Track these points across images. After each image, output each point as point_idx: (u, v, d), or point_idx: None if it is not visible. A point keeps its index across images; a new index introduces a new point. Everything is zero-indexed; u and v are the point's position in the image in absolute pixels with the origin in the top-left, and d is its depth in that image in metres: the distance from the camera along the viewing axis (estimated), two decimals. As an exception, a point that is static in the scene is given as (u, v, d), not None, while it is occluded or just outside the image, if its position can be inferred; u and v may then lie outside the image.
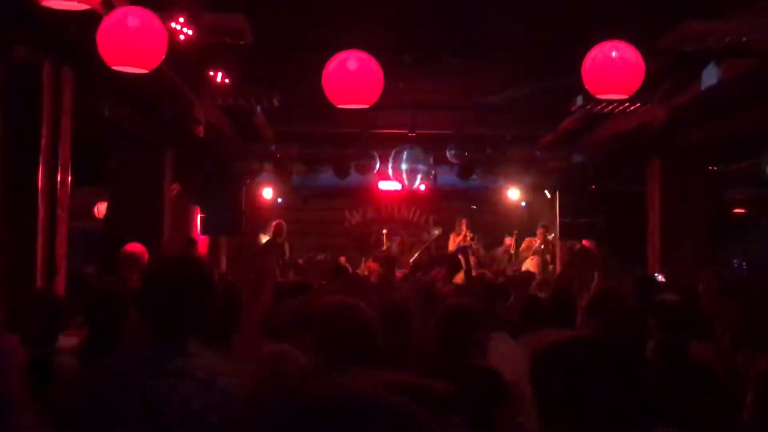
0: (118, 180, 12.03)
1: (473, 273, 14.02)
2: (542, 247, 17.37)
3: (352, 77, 6.74)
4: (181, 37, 7.38)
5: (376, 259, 16.69)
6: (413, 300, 5.69)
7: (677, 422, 3.11)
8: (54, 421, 2.95)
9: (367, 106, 6.95)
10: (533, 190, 18.52)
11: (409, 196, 18.64)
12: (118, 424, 2.77)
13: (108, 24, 5.86)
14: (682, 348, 4.14)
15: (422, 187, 16.21)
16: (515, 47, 9.16)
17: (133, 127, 10.68)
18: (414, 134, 14.30)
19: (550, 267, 17.57)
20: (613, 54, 6.65)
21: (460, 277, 15.45)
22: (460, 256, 16.86)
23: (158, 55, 6.06)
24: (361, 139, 14.76)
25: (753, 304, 4.82)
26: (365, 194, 19.29)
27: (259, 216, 17.72)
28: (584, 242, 16.68)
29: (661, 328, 5.20)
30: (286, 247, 16.43)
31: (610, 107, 10.40)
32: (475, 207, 19.14)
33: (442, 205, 19.61)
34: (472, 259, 16.45)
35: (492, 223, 19.07)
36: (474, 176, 16.54)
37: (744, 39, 7.46)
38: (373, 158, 15.83)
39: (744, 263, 15.83)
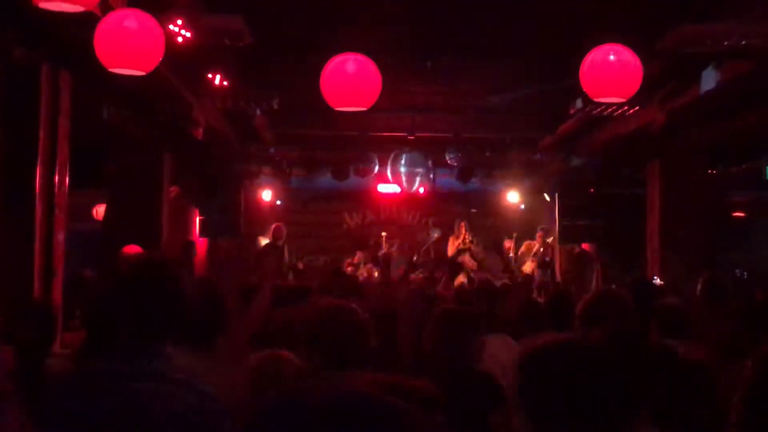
0: (117, 182, 12.03)
1: (474, 276, 14.02)
2: (541, 250, 17.36)
3: (350, 80, 6.73)
4: (180, 39, 7.37)
5: (375, 263, 16.70)
6: (406, 302, 5.70)
7: (664, 422, 3.11)
8: (40, 423, 2.96)
9: (365, 109, 6.94)
10: (532, 193, 18.51)
11: (408, 198, 18.63)
12: (103, 426, 2.78)
13: (105, 26, 5.85)
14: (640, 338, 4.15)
15: (421, 190, 16.21)
16: (514, 50, 9.16)
17: (132, 129, 10.67)
18: (413, 137, 14.29)
19: (549, 270, 17.55)
20: (611, 57, 6.64)
21: (460, 280, 15.46)
22: (461, 259, 16.88)
23: (156, 57, 6.05)
24: (360, 141, 14.75)
25: (739, 312, 4.82)
26: (364, 197, 19.29)
27: (259, 218, 17.71)
28: (583, 245, 16.68)
29: (661, 332, 5.20)
30: (285, 249, 16.41)
31: (609, 110, 10.40)
32: (475, 210, 19.12)
33: (441, 207, 19.60)
34: (472, 263, 16.47)
35: (491, 226, 19.05)
36: (473, 179, 16.54)
37: (742, 42, 7.45)
38: (372, 161, 15.82)
39: (744, 272, 15.81)
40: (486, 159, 15.78)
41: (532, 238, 17.62)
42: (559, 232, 16.24)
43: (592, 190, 15.85)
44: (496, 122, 13.34)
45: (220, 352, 4.19)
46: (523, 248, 17.65)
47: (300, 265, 16.82)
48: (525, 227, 18.43)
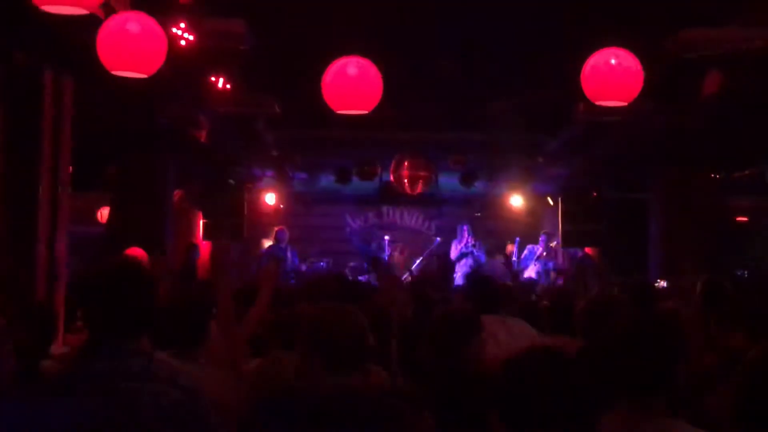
0: (121, 185, 12.06)
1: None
2: (544, 254, 17.35)
3: (351, 83, 6.74)
4: (183, 42, 7.40)
5: (378, 266, 16.71)
6: (400, 304, 5.70)
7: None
8: (28, 426, 2.98)
9: (366, 112, 6.96)
10: (536, 197, 18.52)
11: (410, 202, 18.64)
12: (92, 428, 2.80)
13: (108, 29, 5.87)
14: None
15: (424, 194, 16.21)
16: (516, 53, 9.17)
17: (135, 132, 10.70)
18: (416, 141, 14.31)
19: (552, 275, 17.55)
20: (612, 61, 6.64)
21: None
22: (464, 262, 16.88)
23: (158, 60, 6.07)
24: (363, 144, 14.77)
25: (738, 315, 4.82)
26: (367, 200, 19.30)
27: (262, 221, 17.75)
28: (586, 249, 16.68)
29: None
30: (288, 252, 16.44)
31: (612, 114, 10.40)
32: (479, 214, 19.13)
33: (444, 211, 19.62)
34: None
35: (494, 230, 19.05)
36: (476, 183, 16.55)
37: (744, 47, 7.47)
38: (374, 164, 15.84)
39: (745, 272, 15.80)
40: (489, 163, 15.78)
41: (535, 242, 17.62)
42: (562, 236, 16.24)
43: (595, 194, 15.86)
44: (500, 126, 13.33)
45: (205, 355, 4.25)
46: (525, 252, 17.65)
47: (303, 268, 16.84)
48: (528, 231, 18.43)
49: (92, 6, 5.33)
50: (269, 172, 16.63)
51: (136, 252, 8.48)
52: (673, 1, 7.50)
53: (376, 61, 6.93)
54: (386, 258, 17.68)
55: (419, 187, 15.68)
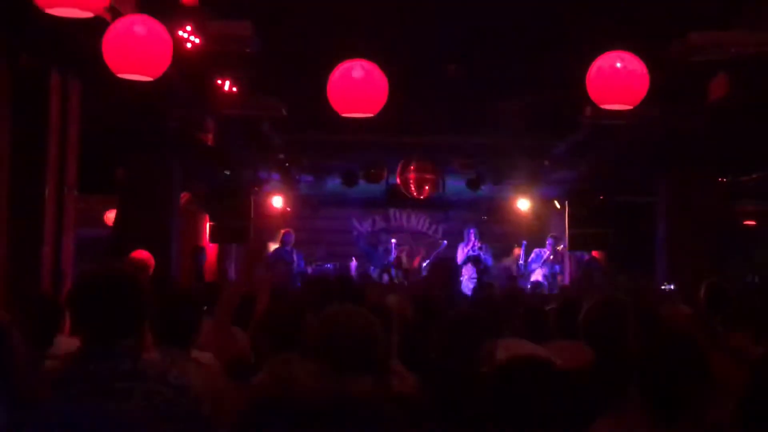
0: (127, 188, 12.08)
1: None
2: (551, 257, 17.35)
3: (356, 86, 6.76)
4: (189, 45, 7.41)
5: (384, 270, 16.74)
6: (401, 307, 5.70)
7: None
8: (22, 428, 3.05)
9: (371, 115, 6.96)
10: (542, 201, 18.51)
11: (417, 205, 18.63)
12: (85, 428, 2.85)
13: (113, 32, 5.89)
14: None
15: (431, 197, 16.20)
16: (523, 57, 9.17)
17: (142, 135, 10.72)
18: (422, 143, 14.31)
19: (559, 278, 17.55)
20: (618, 64, 6.64)
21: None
22: (472, 265, 16.86)
23: (164, 62, 6.09)
24: (369, 147, 14.76)
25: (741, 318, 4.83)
26: (374, 203, 19.31)
27: (268, 224, 17.76)
28: (593, 253, 16.66)
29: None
30: (294, 255, 16.45)
31: (618, 118, 10.39)
32: (486, 218, 19.12)
33: (451, 214, 19.63)
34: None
35: (501, 233, 19.04)
36: (483, 186, 16.55)
37: (750, 50, 7.46)
38: (381, 167, 15.84)
39: (756, 278, 15.74)
40: (496, 166, 15.77)
41: (542, 246, 17.61)
42: (569, 239, 16.23)
43: (601, 197, 15.84)
44: (506, 129, 13.33)
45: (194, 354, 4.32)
46: (532, 255, 17.64)
47: (309, 271, 16.85)
48: (535, 235, 18.42)
49: (98, 9, 5.34)
50: (275, 175, 16.64)
51: (142, 254, 8.49)
52: (679, 4, 7.49)
53: (382, 64, 6.94)
54: (392, 260, 17.69)
55: (426, 191, 15.67)
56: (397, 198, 17.28)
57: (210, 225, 15.66)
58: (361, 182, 16.20)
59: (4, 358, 1.76)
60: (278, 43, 8.37)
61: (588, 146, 13.46)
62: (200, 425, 3.12)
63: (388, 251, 18.10)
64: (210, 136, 11.54)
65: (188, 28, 7.35)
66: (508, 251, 18.56)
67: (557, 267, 17.46)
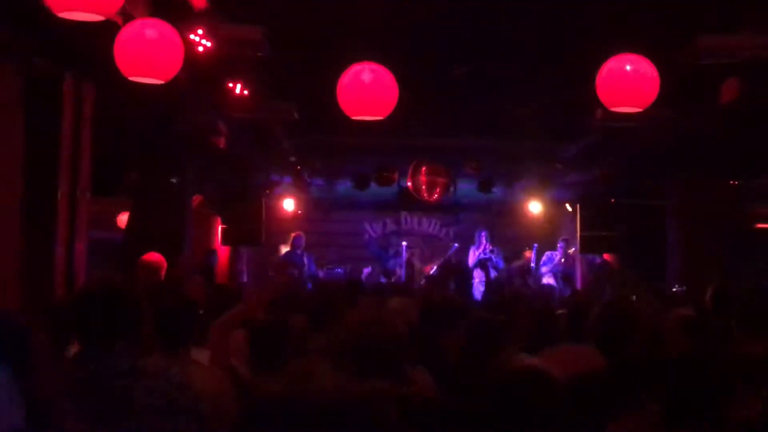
0: (140, 191, 12.12)
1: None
2: (562, 261, 17.34)
3: (366, 89, 6.78)
4: (200, 48, 7.45)
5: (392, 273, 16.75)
6: (405, 310, 5.71)
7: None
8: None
9: (381, 118, 6.99)
10: (554, 204, 18.50)
11: (429, 208, 18.64)
12: (93, 423, 2.97)
13: (125, 35, 5.93)
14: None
15: (442, 200, 16.21)
16: (533, 59, 9.18)
17: (154, 138, 10.77)
18: (433, 146, 14.32)
19: (571, 281, 17.52)
20: (628, 67, 6.65)
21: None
22: (480, 269, 16.87)
23: (175, 66, 6.12)
24: (380, 150, 14.79)
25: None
26: (385, 206, 19.32)
27: (280, 227, 17.80)
28: (605, 256, 16.65)
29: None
30: (305, 258, 16.48)
31: (629, 120, 10.39)
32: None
33: (462, 217, 19.63)
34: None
35: (512, 236, 19.02)
36: (494, 189, 16.55)
37: (762, 53, 7.45)
38: (392, 170, 15.86)
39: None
40: (507, 169, 15.77)
41: (554, 249, 17.60)
42: (580, 242, 16.22)
43: (612, 200, 15.83)
44: (517, 132, 13.33)
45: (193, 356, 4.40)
46: (543, 258, 17.63)
47: (320, 274, 16.87)
48: (546, 238, 18.40)
49: (110, 12, 5.38)
50: (287, 178, 16.68)
51: (154, 257, 8.52)
52: (689, 7, 7.49)
53: (392, 66, 6.96)
54: (403, 263, 17.70)
55: (437, 194, 15.68)
56: (408, 201, 17.30)
57: (222, 228, 15.70)
58: (373, 185, 16.22)
59: (25, 358, 1.80)
60: (289, 46, 8.40)
61: (599, 149, 13.45)
62: (199, 422, 3.23)
63: (399, 254, 18.12)
64: (222, 140, 11.58)
65: (200, 31, 7.38)
66: (519, 254, 18.55)
67: (569, 271, 17.43)
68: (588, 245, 16.13)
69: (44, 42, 6.78)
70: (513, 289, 12.09)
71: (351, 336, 3.78)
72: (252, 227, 15.41)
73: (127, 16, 6.29)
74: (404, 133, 12.99)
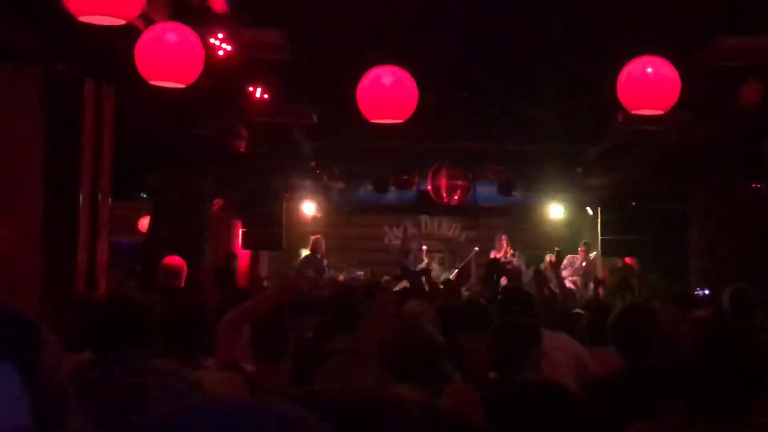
0: (161, 195, 12.17)
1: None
2: (584, 264, 17.26)
3: (386, 92, 6.78)
4: (221, 52, 7.47)
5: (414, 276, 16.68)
6: (421, 314, 5.70)
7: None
8: None
9: (401, 121, 6.99)
10: (574, 207, 18.43)
11: (449, 212, 18.62)
12: (106, 420, 3.00)
13: (146, 39, 5.96)
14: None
15: (462, 203, 16.19)
16: (555, 62, 9.15)
17: (174, 142, 10.80)
18: (453, 149, 14.32)
19: (593, 285, 17.42)
20: (649, 70, 6.62)
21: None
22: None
23: (195, 70, 6.15)
24: (400, 154, 14.79)
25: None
26: (405, 210, 19.30)
27: (300, 231, 17.81)
28: (626, 260, 16.57)
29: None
30: (325, 262, 16.48)
31: (650, 123, 10.35)
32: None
33: (482, 221, 19.57)
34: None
35: (532, 240, 18.95)
36: (514, 193, 16.51)
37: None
38: (412, 174, 15.85)
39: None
40: (527, 173, 15.74)
41: (574, 253, 17.53)
42: (602, 246, 16.15)
43: (633, 203, 15.75)
44: (538, 135, 13.31)
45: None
46: (564, 262, 17.55)
47: (340, 278, 16.86)
48: (567, 241, 18.33)
49: (130, 16, 5.40)
50: (307, 182, 16.70)
51: (175, 260, 8.54)
52: (711, 9, 7.45)
53: (412, 70, 6.96)
54: (423, 267, 17.66)
55: (457, 197, 15.66)
56: (428, 204, 17.28)
57: (242, 232, 15.72)
58: (392, 189, 16.21)
59: (33, 356, 1.79)
60: (309, 50, 8.42)
61: (620, 152, 13.41)
62: None
63: (418, 259, 18.08)
64: (242, 144, 11.61)
65: (220, 35, 7.41)
66: (540, 258, 18.47)
67: (594, 274, 17.34)
68: (609, 249, 16.06)
69: (65, 46, 6.82)
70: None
71: (388, 340, 3.88)
72: (272, 231, 15.41)
73: (147, 20, 6.32)
74: (424, 137, 12.99)
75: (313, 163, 15.29)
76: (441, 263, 18.21)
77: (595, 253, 17.08)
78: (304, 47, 8.15)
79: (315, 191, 17.37)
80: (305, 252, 17.07)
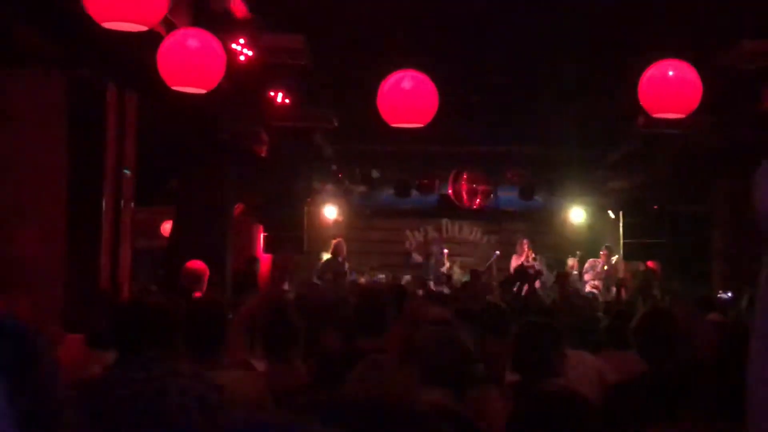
0: (183, 199, 12.22)
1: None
2: (605, 268, 17.20)
3: (407, 96, 6.79)
4: (242, 57, 7.52)
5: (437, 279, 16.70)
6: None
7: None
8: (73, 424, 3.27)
9: (421, 125, 7.00)
10: (596, 211, 18.37)
11: (470, 215, 18.60)
12: (126, 421, 3.05)
13: (168, 45, 6.00)
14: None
15: (483, 207, 16.17)
16: (575, 66, 9.15)
17: (196, 146, 10.85)
18: (474, 153, 14.31)
19: (613, 289, 17.36)
20: (670, 73, 6.60)
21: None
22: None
23: (217, 75, 6.19)
24: (421, 158, 14.79)
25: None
26: (426, 214, 19.29)
27: (322, 235, 17.84)
28: (648, 263, 16.50)
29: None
30: (346, 265, 16.49)
31: (672, 126, 10.31)
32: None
33: (504, 225, 19.53)
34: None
35: (554, 244, 18.91)
36: (535, 197, 16.48)
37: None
38: (433, 177, 15.85)
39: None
40: (548, 176, 15.71)
41: (596, 257, 17.48)
42: (624, 249, 16.09)
43: (656, 207, 15.69)
44: (559, 139, 13.29)
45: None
46: (586, 266, 17.51)
47: (361, 281, 16.88)
48: (589, 245, 18.28)
49: (152, 23, 5.44)
50: (328, 186, 16.74)
51: (197, 264, 8.57)
52: (731, 12, 7.42)
53: (432, 74, 6.97)
54: (444, 271, 17.66)
55: (478, 201, 15.65)
56: (449, 208, 17.27)
57: (264, 236, 15.76)
58: (414, 193, 16.22)
59: (25, 368, 1.79)
60: (329, 55, 8.45)
61: (642, 155, 13.36)
62: None
63: (440, 262, 18.08)
64: (264, 148, 11.65)
65: (241, 41, 7.45)
66: (561, 262, 18.43)
67: (617, 277, 17.27)
68: (631, 252, 16.00)
69: (88, 52, 6.87)
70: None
71: (421, 345, 3.97)
72: (294, 235, 15.44)
73: (169, 26, 6.37)
74: (445, 141, 13.00)
75: (334, 168, 15.32)
76: (462, 267, 18.21)
77: (616, 256, 17.03)
78: (325, 52, 8.17)
79: (336, 195, 17.40)
80: (326, 256, 17.11)
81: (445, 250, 18.33)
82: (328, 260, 16.67)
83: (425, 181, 15.96)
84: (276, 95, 9.52)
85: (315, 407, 2.21)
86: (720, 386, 3.09)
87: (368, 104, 7.36)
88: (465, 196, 15.62)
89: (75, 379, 4.05)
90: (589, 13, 7.88)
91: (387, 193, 16.93)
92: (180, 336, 3.66)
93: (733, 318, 6.01)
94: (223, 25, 7.06)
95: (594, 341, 5.99)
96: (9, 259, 6.96)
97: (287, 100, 9.62)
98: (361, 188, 17.17)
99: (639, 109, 7.74)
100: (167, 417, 3.12)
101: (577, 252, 17.98)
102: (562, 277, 16.54)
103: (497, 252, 18.28)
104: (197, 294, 8.01)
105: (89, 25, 5.36)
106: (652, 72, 6.72)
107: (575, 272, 17.68)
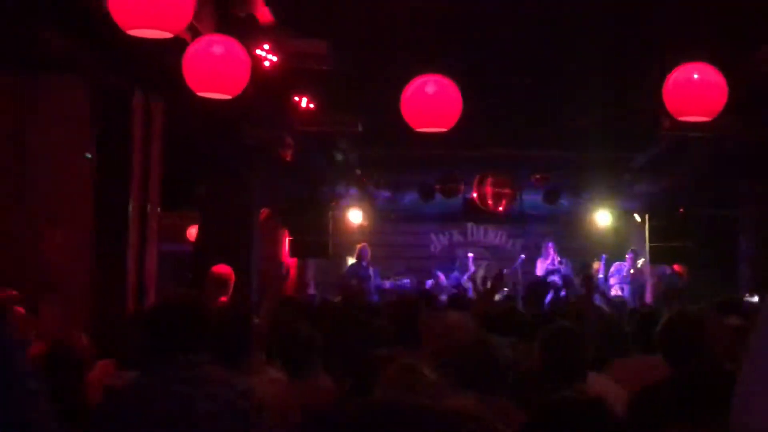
0: (209, 204, 12.28)
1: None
2: (631, 272, 17.14)
3: (430, 101, 6.80)
4: (267, 63, 7.56)
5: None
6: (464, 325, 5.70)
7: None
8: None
9: (445, 130, 7.00)
10: (622, 214, 18.29)
11: (495, 219, 18.57)
12: (155, 427, 3.07)
13: (193, 51, 6.04)
14: None
15: (508, 211, 16.14)
16: (600, 69, 9.13)
17: (222, 152, 10.91)
18: (498, 156, 14.28)
19: (641, 292, 17.31)
20: (695, 76, 6.58)
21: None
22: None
23: (242, 81, 6.22)
24: (446, 162, 14.79)
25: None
26: (451, 217, 19.28)
27: (347, 239, 17.87)
28: (675, 267, 16.41)
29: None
30: (371, 270, 16.51)
31: (697, 130, 10.27)
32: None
33: (529, 228, 19.48)
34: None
35: (579, 247, 18.84)
36: (561, 200, 16.43)
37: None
38: (458, 181, 15.84)
39: None
40: (573, 180, 15.66)
41: (622, 260, 17.41)
42: (650, 253, 16.02)
43: (681, 210, 15.61)
44: (584, 142, 13.25)
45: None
46: (612, 270, 17.44)
47: (387, 285, 16.90)
48: (614, 249, 18.20)
49: (178, 29, 5.48)
50: (353, 190, 16.76)
51: (223, 269, 8.62)
52: (757, 14, 7.38)
53: (456, 78, 6.98)
54: (469, 276, 17.63)
55: (503, 204, 15.63)
56: (474, 212, 17.25)
57: (289, 240, 15.81)
58: (438, 197, 16.21)
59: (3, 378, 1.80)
60: (353, 60, 8.47)
61: (668, 159, 13.30)
62: (261, 429, 3.30)
63: (465, 266, 18.07)
64: (289, 153, 11.69)
65: (266, 46, 7.49)
66: (587, 265, 18.36)
67: (640, 281, 17.19)
68: (658, 256, 15.92)
69: (114, 58, 6.93)
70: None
71: (455, 351, 4.02)
72: (319, 239, 15.47)
73: (194, 32, 6.41)
74: (469, 145, 12.98)
75: (358, 172, 15.34)
76: (487, 271, 18.18)
77: (642, 260, 16.96)
78: (348, 57, 8.20)
79: (361, 199, 17.43)
80: (351, 260, 17.14)
81: (470, 254, 18.32)
82: (352, 265, 16.71)
83: (450, 185, 15.95)
84: (300, 100, 9.56)
85: (345, 415, 2.22)
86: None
87: (392, 109, 7.37)
88: (490, 200, 15.59)
89: (105, 387, 4.11)
90: (614, 17, 7.87)
91: (411, 198, 16.93)
92: (208, 338, 3.63)
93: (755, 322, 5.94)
94: (247, 31, 7.11)
95: (620, 346, 5.96)
96: (36, 265, 7.02)
97: (312, 105, 9.66)
98: (386, 193, 17.18)
99: (664, 113, 7.71)
100: (196, 423, 3.13)
101: (603, 255, 17.91)
102: (588, 279, 16.49)
103: (522, 255, 18.25)
104: (223, 299, 8.06)
105: (115, 32, 5.40)
106: (677, 75, 6.70)
107: (600, 275, 17.62)
